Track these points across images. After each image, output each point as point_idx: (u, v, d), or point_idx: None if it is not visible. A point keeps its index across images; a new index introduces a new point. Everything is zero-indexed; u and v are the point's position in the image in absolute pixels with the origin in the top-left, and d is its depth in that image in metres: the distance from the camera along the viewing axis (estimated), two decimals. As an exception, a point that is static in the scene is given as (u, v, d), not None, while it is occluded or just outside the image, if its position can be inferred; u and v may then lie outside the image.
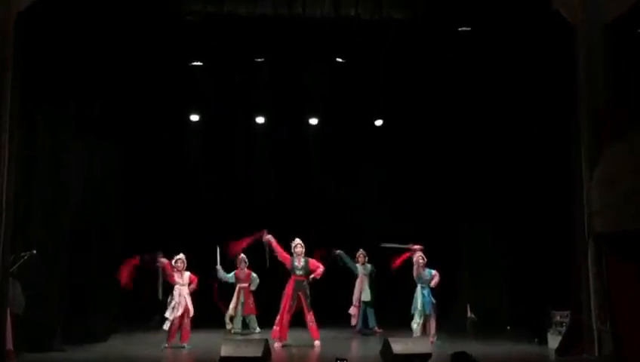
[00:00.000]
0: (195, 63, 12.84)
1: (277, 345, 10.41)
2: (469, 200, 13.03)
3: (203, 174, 14.62)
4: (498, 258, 12.40)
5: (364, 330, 12.45)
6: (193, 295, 10.59)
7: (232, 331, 12.19)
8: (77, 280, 10.73)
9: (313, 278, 10.73)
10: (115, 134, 12.33)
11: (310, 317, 10.62)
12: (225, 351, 8.41)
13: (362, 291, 12.47)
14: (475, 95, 12.66)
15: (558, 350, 9.68)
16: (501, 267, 12.36)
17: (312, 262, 10.82)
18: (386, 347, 8.81)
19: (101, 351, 10.09)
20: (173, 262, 10.56)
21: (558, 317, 10.24)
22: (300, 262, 10.74)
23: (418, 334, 10.62)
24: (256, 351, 8.38)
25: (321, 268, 10.77)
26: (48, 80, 10.17)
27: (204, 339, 11.04)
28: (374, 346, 10.20)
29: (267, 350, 8.68)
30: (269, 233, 10.96)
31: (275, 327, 10.65)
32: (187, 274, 10.60)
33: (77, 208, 10.88)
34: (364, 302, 12.46)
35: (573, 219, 9.87)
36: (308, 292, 10.70)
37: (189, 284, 10.56)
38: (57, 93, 10.38)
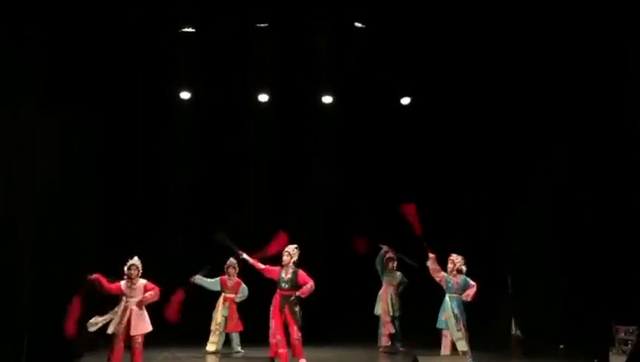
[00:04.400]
0: (185, 30, 12.75)
1: None
2: (514, 186, 12.88)
3: (195, 162, 14.59)
4: (549, 260, 12.23)
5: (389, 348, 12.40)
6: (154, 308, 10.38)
7: (212, 350, 11.87)
8: (45, 286, 10.69)
9: (297, 296, 10.49)
10: (90, 116, 12.28)
11: (296, 335, 10.44)
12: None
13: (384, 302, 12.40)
14: (528, 64, 12.43)
15: (622, 373, 9.58)
16: (553, 271, 12.19)
17: (302, 274, 10.59)
18: (416, 368, 8.76)
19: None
20: (125, 268, 10.25)
21: (623, 334, 10.14)
22: (287, 274, 10.59)
23: (447, 352, 10.49)
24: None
25: (309, 284, 10.48)
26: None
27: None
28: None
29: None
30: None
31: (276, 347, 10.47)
32: (141, 283, 10.25)
33: (43, 199, 10.84)
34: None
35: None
36: (296, 309, 10.50)
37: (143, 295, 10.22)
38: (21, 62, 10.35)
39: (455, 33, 12.46)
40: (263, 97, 14.27)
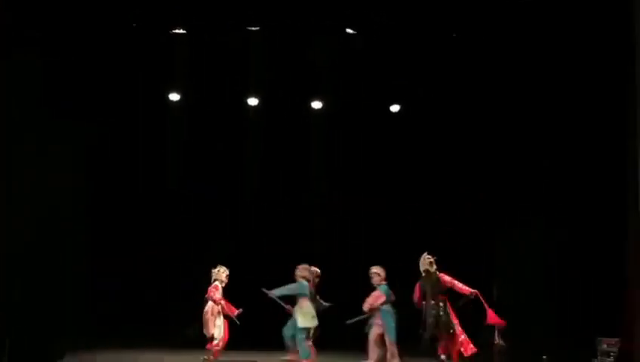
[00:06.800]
0: (176, 31, 12.74)
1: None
2: (501, 197, 12.93)
3: (183, 164, 14.60)
4: (534, 271, 12.27)
5: None
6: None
7: None
8: (30, 287, 10.68)
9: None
10: (81, 117, 12.27)
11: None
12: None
13: None
14: (514, 71, 12.46)
15: (603, 384, 9.61)
16: (537, 282, 12.22)
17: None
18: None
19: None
20: (224, 275, 11.19)
21: (605, 346, 10.16)
22: None
23: None
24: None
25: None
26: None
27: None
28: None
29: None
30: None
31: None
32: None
33: (35, 201, 10.83)
34: None
35: (626, 225, 9.78)
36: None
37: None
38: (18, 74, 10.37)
39: (450, 37, 12.54)
40: (253, 101, 14.27)
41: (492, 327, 12.69)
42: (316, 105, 14.23)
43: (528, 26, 11.78)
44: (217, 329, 11.06)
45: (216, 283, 11.24)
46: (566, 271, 11.60)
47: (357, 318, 10.99)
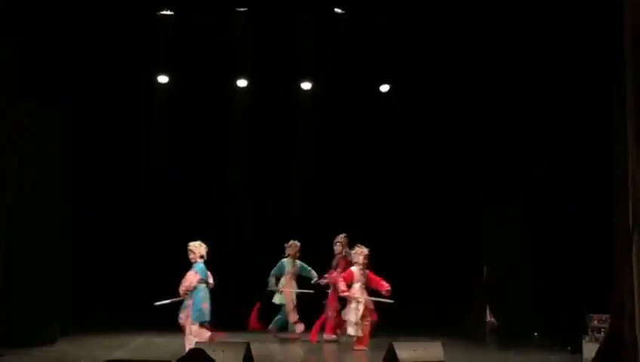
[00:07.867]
0: (163, 12, 12.70)
1: None
2: (494, 179, 13.03)
3: (171, 147, 14.56)
4: (525, 250, 12.41)
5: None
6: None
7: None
8: (18, 272, 10.69)
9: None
10: (64, 100, 12.21)
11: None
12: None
13: None
14: (504, 58, 12.51)
15: (594, 360, 9.72)
16: (528, 261, 12.35)
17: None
18: (391, 353, 8.88)
19: (51, 356, 10.10)
20: (361, 257, 11.06)
21: (596, 322, 10.26)
22: None
23: None
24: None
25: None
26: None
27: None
28: (375, 352, 10.28)
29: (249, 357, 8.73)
30: None
31: None
32: None
33: (17, 187, 10.80)
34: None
35: (615, 206, 9.87)
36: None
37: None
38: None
39: (443, 23, 12.55)
40: (242, 82, 14.25)
41: (484, 306, 12.92)
42: (306, 86, 14.23)
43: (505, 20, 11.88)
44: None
45: (353, 268, 11.15)
46: (556, 249, 11.73)
47: (169, 300, 10.41)
